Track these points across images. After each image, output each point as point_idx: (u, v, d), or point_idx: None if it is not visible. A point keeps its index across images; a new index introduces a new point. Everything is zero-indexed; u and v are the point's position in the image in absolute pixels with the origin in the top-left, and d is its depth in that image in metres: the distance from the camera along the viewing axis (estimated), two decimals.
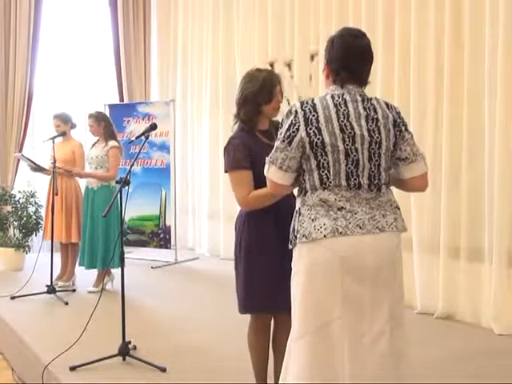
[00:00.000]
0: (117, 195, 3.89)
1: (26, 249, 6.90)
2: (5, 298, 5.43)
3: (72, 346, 3.84)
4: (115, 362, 3.76)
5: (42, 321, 4.96)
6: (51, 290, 5.52)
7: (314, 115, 2.23)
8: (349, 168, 2.22)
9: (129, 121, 7.70)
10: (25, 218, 6.96)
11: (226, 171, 2.86)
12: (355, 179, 2.23)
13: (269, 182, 2.35)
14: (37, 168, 6.09)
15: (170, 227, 7.57)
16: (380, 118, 2.27)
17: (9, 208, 7.09)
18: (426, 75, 4.95)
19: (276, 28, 6.63)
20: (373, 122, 2.25)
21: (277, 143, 2.28)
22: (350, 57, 2.30)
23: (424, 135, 4.89)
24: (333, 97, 2.28)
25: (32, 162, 6.05)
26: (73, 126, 6.09)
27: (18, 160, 7.71)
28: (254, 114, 2.88)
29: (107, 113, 7.59)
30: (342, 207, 2.22)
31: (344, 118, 2.23)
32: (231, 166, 2.81)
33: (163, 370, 3.61)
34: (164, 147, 7.51)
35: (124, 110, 7.89)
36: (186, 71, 8.38)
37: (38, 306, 5.31)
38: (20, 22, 7.95)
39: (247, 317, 3.09)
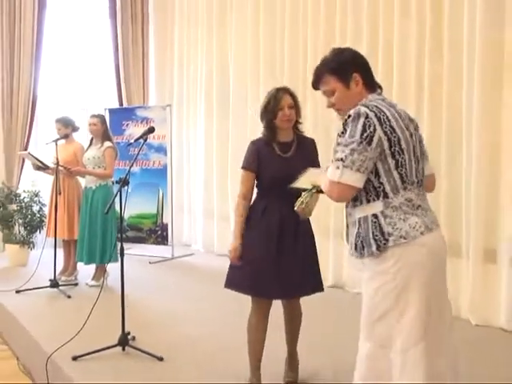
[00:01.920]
0: (116, 195, 3.91)
1: (31, 245, 6.88)
2: (10, 292, 5.43)
3: (74, 336, 3.83)
4: (115, 351, 3.78)
5: (46, 313, 4.96)
6: (54, 284, 5.52)
7: (383, 115, 2.14)
8: (415, 165, 2.22)
9: (128, 124, 7.70)
10: (29, 216, 6.95)
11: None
12: (417, 176, 2.23)
13: (340, 187, 2.14)
14: (40, 167, 6.07)
15: (166, 225, 7.58)
16: (408, 120, 2.26)
17: (14, 206, 7.07)
18: (408, 82, 5.00)
19: (267, 35, 6.63)
20: (410, 123, 2.26)
21: (352, 146, 2.09)
22: (368, 65, 2.35)
23: None
24: (383, 100, 2.25)
25: (37, 159, 6.04)
26: (74, 129, 6.09)
27: (23, 160, 7.69)
28: (269, 128, 3.10)
29: (107, 116, 7.58)
30: (420, 205, 2.20)
31: (399, 117, 2.20)
32: (243, 165, 3.18)
33: (160, 359, 3.64)
34: (161, 149, 7.51)
35: (123, 114, 7.88)
36: (182, 77, 8.37)
37: (41, 299, 5.31)
38: (24, 30, 7.92)
39: (241, 310, 3.12)
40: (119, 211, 4.09)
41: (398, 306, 2.10)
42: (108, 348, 3.76)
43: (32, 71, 8.01)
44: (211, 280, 6.19)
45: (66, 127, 5.98)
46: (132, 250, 7.22)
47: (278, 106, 3.03)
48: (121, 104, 8.71)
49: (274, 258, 3.04)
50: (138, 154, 4.11)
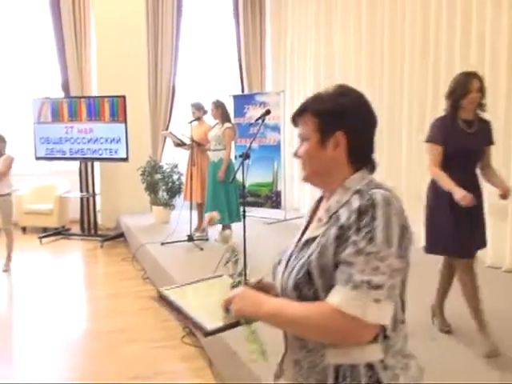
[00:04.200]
0: (240, 167, 3.99)
1: (171, 207, 7.18)
2: (156, 243, 5.75)
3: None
4: None
5: (184, 261, 5.21)
6: (190, 238, 5.77)
7: (404, 217, 1.19)
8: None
9: (248, 108, 7.79)
10: (170, 184, 7.25)
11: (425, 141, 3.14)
12: None
13: (370, 330, 1.14)
14: (179, 143, 6.34)
15: (280, 192, 7.65)
16: None
17: (158, 176, 7.41)
18: (499, 74, 4.63)
19: (369, 30, 6.40)
20: None
21: (389, 262, 1.12)
22: (369, 129, 1.31)
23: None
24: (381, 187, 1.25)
25: (177, 137, 6.31)
26: (205, 112, 6.27)
27: (165, 138, 8.05)
28: (455, 107, 3.04)
29: (231, 102, 7.73)
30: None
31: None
32: (427, 139, 3.14)
33: None
34: (276, 128, 7.55)
35: (244, 99, 7.98)
36: (293, 67, 8.31)
37: (180, 250, 5.57)
38: (166, 33, 8.24)
39: None
40: (241, 180, 4.19)
41: None
42: None
43: (171, 66, 8.34)
44: None
45: (199, 110, 6.18)
46: (251, 212, 7.37)
47: (467, 89, 2.98)
48: (242, 90, 8.83)
49: (465, 222, 3.00)
50: (257, 132, 4.17)
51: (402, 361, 1.21)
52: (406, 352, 1.23)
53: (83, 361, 3.57)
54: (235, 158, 6.60)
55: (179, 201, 7.10)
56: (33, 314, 4.41)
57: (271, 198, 7.70)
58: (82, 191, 7.52)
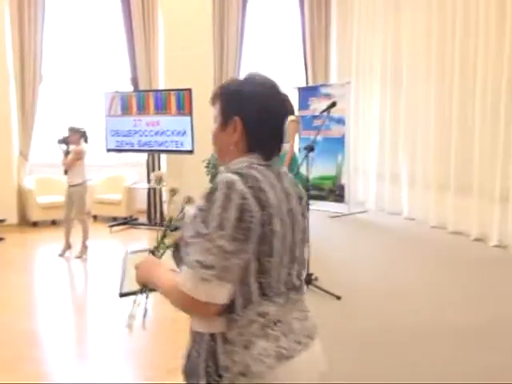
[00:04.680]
0: (304, 159, 3.97)
1: None
2: None
3: None
4: None
5: None
6: None
7: (263, 195, 1.21)
8: (288, 267, 1.31)
9: (313, 100, 7.73)
10: None
11: None
12: (290, 279, 1.33)
13: (193, 306, 1.21)
14: None
15: (343, 185, 7.56)
16: (302, 194, 1.40)
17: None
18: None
19: (438, 20, 6.17)
20: (298, 202, 1.36)
21: (220, 243, 1.16)
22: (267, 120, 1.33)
23: None
24: (257, 169, 1.26)
25: None
26: None
27: None
28: None
29: (296, 94, 7.69)
30: (279, 320, 1.28)
31: (287, 197, 1.31)
32: None
33: (338, 297, 3.67)
34: (340, 121, 7.44)
35: (309, 91, 7.93)
36: (359, 58, 8.16)
37: None
38: (231, 21, 8.31)
39: (407, 260, 3.01)
40: (305, 173, 4.17)
41: None
42: None
43: (236, 59, 8.42)
44: (382, 233, 6.10)
45: None
46: (314, 206, 7.32)
47: None
48: (307, 82, 8.77)
49: None
50: (322, 125, 4.12)
51: (246, 339, 1.23)
52: (257, 333, 1.23)
53: (146, 345, 3.69)
54: (299, 150, 6.58)
55: None
56: (104, 298, 4.60)
57: (335, 192, 7.61)
58: (149, 182, 7.75)
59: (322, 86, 7.97)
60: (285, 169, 1.40)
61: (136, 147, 7.48)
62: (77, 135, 5.86)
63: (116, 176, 8.17)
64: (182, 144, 7.27)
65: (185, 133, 7.21)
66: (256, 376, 1.22)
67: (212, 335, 1.26)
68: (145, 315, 1.40)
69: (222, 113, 1.34)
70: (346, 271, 4.47)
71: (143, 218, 7.96)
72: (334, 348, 2.89)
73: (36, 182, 7.85)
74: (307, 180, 4.27)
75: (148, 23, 8.19)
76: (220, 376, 1.24)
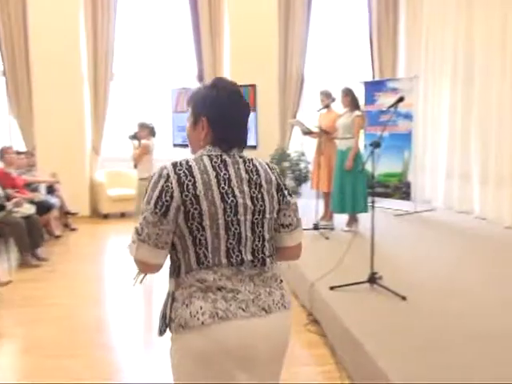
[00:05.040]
0: (370, 156, 3.89)
1: (298, 195, 7.27)
2: None
3: (332, 270, 3.99)
4: (364, 287, 3.82)
5: (309, 249, 5.11)
6: (316, 227, 5.77)
7: (190, 180, 1.49)
8: (230, 243, 1.53)
9: (379, 95, 7.56)
10: (297, 172, 7.33)
11: None
12: (237, 255, 1.54)
13: (139, 264, 1.56)
14: (307, 132, 6.33)
15: (410, 182, 7.34)
16: (263, 182, 1.60)
17: (286, 163, 7.51)
18: None
19: None
20: (256, 188, 1.57)
21: (146, 214, 1.50)
22: (227, 120, 1.61)
23: None
24: (210, 158, 1.56)
25: (305, 125, 6.31)
26: (333, 100, 6.18)
27: (292, 126, 8.12)
28: None
29: (362, 89, 7.55)
30: (222, 287, 1.51)
31: (225, 183, 1.53)
32: None
33: (403, 298, 3.58)
34: (408, 116, 7.23)
35: (375, 86, 7.76)
36: (428, 52, 7.88)
37: (306, 238, 5.40)
38: (296, 17, 8.28)
39: (473, 258, 2.88)
40: (370, 169, 4.08)
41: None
42: (359, 283, 3.82)
43: (300, 54, 8.39)
44: (450, 232, 5.88)
45: (327, 98, 6.11)
46: (379, 203, 7.17)
47: None
48: (373, 77, 8.58)
49: None
50: (389, 120, 4.02)
51: (187, 298, 1.51)
52: (199, 293, 1.50)
53: None
54: (364, 146, 6.45)
55: (305, 189, 7.15)
56: None
57: (401, 189, 7.42)
58: None
59: (389, 80, 7.77)
60: (249, 158, 1.64)
61: None
62: (146, 130, 6.04)
63: None
64: None
65: (249, 128, 7.26)
66: (192, 329, 1.48)
67: (170, 293, 1.58)
68: (141, 279, 1.75)
69: (193, 114, 1.62)
70: (412, 271, 4.35)
71: None
72: (397, 349, 2.83)
73: (106, 175, 8.17)
74: (372, 177, 4.18)
75: (214, 20, 8.30)
76: (167, 325, 1.55)
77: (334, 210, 5.94)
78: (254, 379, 1.55)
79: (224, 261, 1.53)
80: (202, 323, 1.48)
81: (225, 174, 1.54)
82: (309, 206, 6.12)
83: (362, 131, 5.98)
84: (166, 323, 1.56)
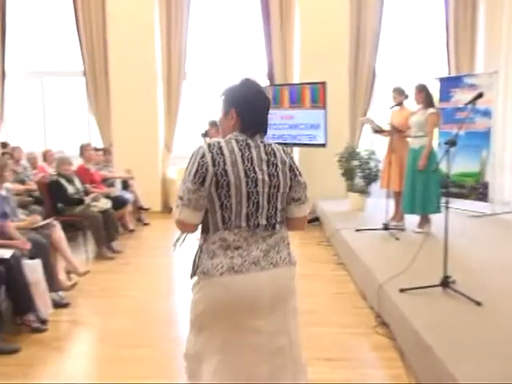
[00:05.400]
0: (444, 154, 3.75)
1: (367, 194, 7.13)
2: (351, 229, 5.76)
3: (402, 272, 3.89)
4: (436, 290, 3.69)
5: (378, 250, 5.09)
6: (386, 227, 5.64)
7: (220, 157, 1.89)
8: (249, 210, 1.92)
9: (455, 91, 7.25)
10: (367, 171, 7.19)
11: None
12: (255, 220, 1.93)
13: (181, 224, 1.95)
14: (377, 130, 6.20)
15: (487, 183, 7.00)
16: (279, 163, 1.98)
17: (355, 162, 7.36)
18: None
19: None
20: (273, 167, 1.96)
21: (187, 184, 1.89)
22: (253, 108, 1.99)
23: None
24: (237, 141, 1.95)
25: (375, 123, 6.18)
26: (406, 97, 6.01)
27: (363, 124, 7.98)
28: None
29: (436, 85, 7.29)
30: (239, 247, 1.91)
31: (248, 162, 1.92)
32: None
33: (478, 303, 3.42)
34: (487, 113, 6.89)
35: (451, 82, 7.45)
36: (509, 46, 7.46)
37: (375, 238, 5.46)
38: (368, 13, 8.11)
39: None
40: (445, 169, 3.93)
41: (194, 326, 2.00)
42: (430, 286, 3.69)
43: (372, 50, 8.20)
44: None
45: (400, 95, 5.95)
46: (454, 204, 6.89)
47: None
48: (449, 73, 8.25)
49: None
50: (466, 117, 3.85)
51: (211, 252, 1.92)
52: (220, 251, 1.90)
53: None
54: (438, 145, 6.22)
55: (375, 188, 7.00)
56: None
57: (477, 190, 7.09)
58: None
59: (467, 76, 7.43)
60: (269, 143, 2.01)
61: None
62: (216, 128, 6.15)
63: None
64: (314, 137, 7.28)
65: (318, 126, 7.21)
66: (211, 277, 1.89)
67: (200, 246, 1.98)
68: (180, 243, 2.13)
69: (224, 106, 2.00)
70: (488, 275, 4.14)
71: None
72: (469, 354, 2.70)
73: (178, 172, 8.40)
74: (447, 176, 4.02)
75: (285, 17, 8.30)
76: (194, 271, 1.96)
77: (404, 210, 5.77)
78: (258, 323, 1.91)
79: (244, 224, 1.91)
80: (221, 274, 1.88)
81: (248, 154, 1.93)
82: (379, 205, 6.00)
83: (436, 129, 5.76)
84: (194, 269, 1.97)
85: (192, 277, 1.98)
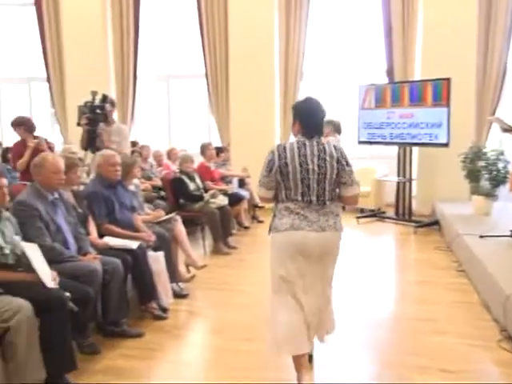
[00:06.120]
0: None
1: (494, 197, 6.66)
2: (475, 236, 5.39)
3: None
4: None
5: (505, 259, 4.71)
6: None
7: (283, 154, 2.81)
8: (303, 189, 2.81)
9: None
10: (494, 172, 6.71)
11: None
12: (307, 197, 2.82)
13: (261, 198, 3.00)
14: (507, 129, 5.74)
15: None
16: (327, 157, 2.81)
17: (481, 163, 6.91)
18: None
19: None
20: (322, 160, 2.80)
21: (262, 172, 2.87)
22: (310, 119, 2.91)
23: None
24: (297, 142, 2.86)
25: (505, 123, 5.73)
26: None
27: (491, 123, 7.45)
28: None
29: None
30: (298, 212, 2.81)
31: (303, 157, 2.80)
32: None
33: None
34: None
35: None
36: None
37: (501, 245, 5.07)
38: (498, 13, 7.54)
39: None
40: None
41: (274, 263, 2.92)
42: None
43: (504, 44, 7.61)
44: None
45: None
46: None
47: None
48: None
49: None
50: None
51: (280, 214, 2.86)
52: (286, 214, 2.84)
53: (385, 341, 3.64)
54: None
55: (504, 191, 6.51)
56: (342, 290, 4.72)
57: None
58: (398, 176, 7.62)
59: None
60: (323, 141, 2.87)
61: (387, 140, 7.42)
62: (329, 127, 6.11)
63: (366, 168, 8.25)
64: (436, 137, 6.93)
65: (440, 125, 6.86)
66: (279, 231, 2.83)
67: (273, 211, 2.93)
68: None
69: (293, 116, 2.93)
70: None
71: (390, 212, 7.90)
72: None
73: None
74: None
75: (407, 10, 7.99)
76: (270, 227, 2.92)
77: None
78: (308, 263, 2.85)
79: (299, 198, 2.82)
80: (285, 229, 2.81)
81: (303, 151, 2.81)
82: (507, 210, 5.56)
83: None
84: (270, 227, 2.90)
85: (269, 233, 2.90)
